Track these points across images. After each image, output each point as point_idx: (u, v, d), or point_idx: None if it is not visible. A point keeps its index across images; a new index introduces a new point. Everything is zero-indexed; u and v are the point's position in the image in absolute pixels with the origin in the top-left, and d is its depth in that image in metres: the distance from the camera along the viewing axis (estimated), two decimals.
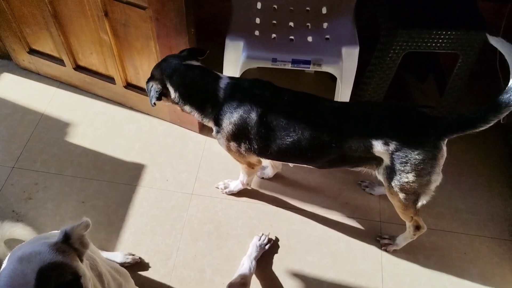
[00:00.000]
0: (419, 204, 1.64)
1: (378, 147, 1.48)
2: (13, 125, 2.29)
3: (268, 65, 1.82)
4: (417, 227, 1.77)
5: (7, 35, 2.30)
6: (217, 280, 1.84)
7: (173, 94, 1.61)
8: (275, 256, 1.92)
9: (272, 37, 1.89)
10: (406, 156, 1.47)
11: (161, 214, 2.02)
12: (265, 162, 2.13)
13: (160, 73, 1.61)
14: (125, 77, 2.19)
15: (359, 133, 1.50)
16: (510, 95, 1.35)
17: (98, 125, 2.31)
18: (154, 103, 1.63)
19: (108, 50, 2.05)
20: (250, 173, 1.92)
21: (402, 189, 1.56)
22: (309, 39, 1.89)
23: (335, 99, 2.04)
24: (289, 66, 1.82)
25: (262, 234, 1.93)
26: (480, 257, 1.94)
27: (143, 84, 2.18)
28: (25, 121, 2.30)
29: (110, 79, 2.24)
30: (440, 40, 1.82)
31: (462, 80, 1.99)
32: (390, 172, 1.53)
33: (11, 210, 2.00)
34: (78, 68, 2.30)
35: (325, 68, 1.82)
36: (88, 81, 2.32)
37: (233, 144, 1.66)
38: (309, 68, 1.82)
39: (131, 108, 2.36)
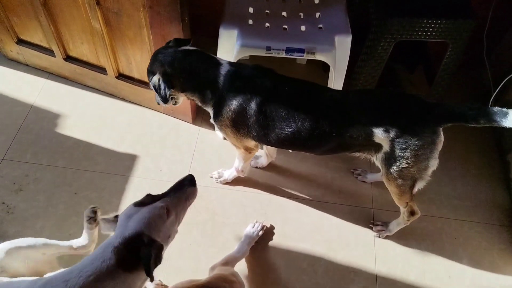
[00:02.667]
0: (415, 189, 1.67)
1: (379, 134, 1.50)
2: (1, 117, 2.25)
3: (262, 53, 1.83)
4: (412, 213, 1.81)
5: None
6: None
7: (177, 83, 1.60)
8: (270, 243, 1.93)
9: (266, 26, 1.90)
10: (406, 142, 1.49)
11: None
12: (259, 151, 2.14)
13: (161, 65, 1.59)
14: (117, 67, 2.17)
15: (360, 121, 1.52)
16: (503, 119, 1.42)
17: (89, 117, 2.29)
18: (167, 97, 1.60)
19: (100, 39, 2.03)
20: (247, 158, 1.93)
21: (400, 174, 1.59)
22: (302, 28, 1.90)
23: None
24: (283, 55, 1.83)
25: (256, 221, 1.94)
26: (470, 241, 1.99)
27: (135, 74, 2.17)
28: (13, 113, 2.26)
29: (101, 70, 2.22)
30: (431, 29, 1.85)
31: (451, 69, 2.03)
32: (389, 158, 1.56)
33: (1, 202, 1.97)
34: (69, 58, 2.27)
35: (319, 57, 1.84)
36: (79, 72, 2.29)
37: (231, 130, 1.66)
38: (303, 56, 1.83)
39: (123, 99, 2.34)
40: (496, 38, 2.30)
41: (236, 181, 2.08)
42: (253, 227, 1.92)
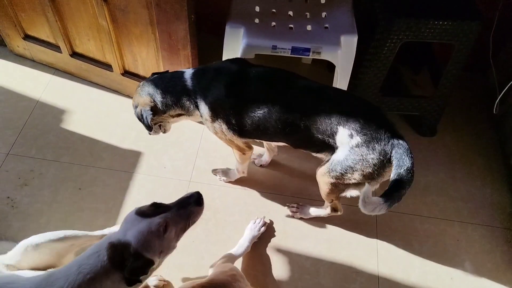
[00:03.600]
0: (345, 194, 1.69)
1: (343, 136, 1.50)
2: (7, 112, 2.26)
3: (268, 52, 1.83)
4: (334, 209, 1.86)
5: (1, 21, 2.27)
6: None
7: (156, 106, 1.68)
8: (272, 241, 1.94)
9: (272, 25, 1.90)
10: (362, 155, 1.48)
11: (159, 201, 2.00)
12: (261, 149, 2.15)
13: (139, 96, 1.71)
14: (122, 64, 2.18)
15: (330, 116, 1.51)
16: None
17: (94, 113, 2.30)
18: (149, 125, 1.70)
19: (106, 36, 2.04)
20: (243, 160, 1.94)
21: (338, 179, 1.59)
22: (309, 27, 1.90)
23: None
24: (288, 54, 1.83)
25: (257, 218, 1.95)
26: (472, 244, 1.99)
27: (140, 71, 2.18)
28: (19, 108, 2.28)
29: (107, 66, 2.23)
30: (437, 30, 1.85)
31: (456, 71, 2.02)
32: (337, 162, 1.55)
33: (6, 196, 1.98)
34: (75, 54, 2.28)
35: (324, 56, 1.84)
36: (85, 68, 2.30)
37: (216, 125, 1.70)
38: (308, 56, 1.83)
39: (128, 96, 2.35)
40: (502, 40, 2.29)
41: (239, 180, 2.09)
42: (255, 223, 1.93)
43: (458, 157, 2.27)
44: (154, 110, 1.69)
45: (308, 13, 1.97)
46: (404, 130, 2.37)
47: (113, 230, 1.60)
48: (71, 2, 1.98)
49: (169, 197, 2.00)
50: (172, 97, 1.68)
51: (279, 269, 1.87)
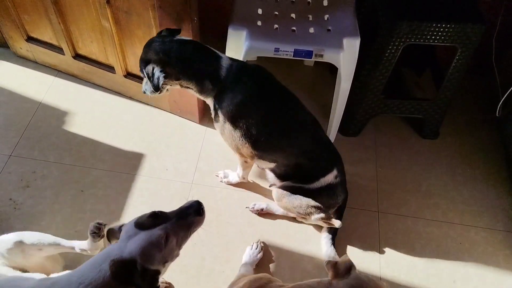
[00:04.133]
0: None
1: (331, 176, 1.79)
2: (10, 113, 2.27)
3: (271, 54, 1.83)
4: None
5: (4, 22, 2.28)
6: (217, 268, 1.85)
7: (173, 71, 1.59)
8: (274, 244, 1.93)
9: (274, 27, 1.90)
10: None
11: (161, 203, 2.02)
12: None
13: (155, 53, 1.57)
14: (125, 66, 2.18)
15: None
16: None
17: (97, 115, 2.30)
18: (159, 86, 1.59)
19: (109, 38, 2.04)
20: (245, 167, 1.94)
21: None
22: (311, 30, 1.90)
23: (335, 91, 2.07)
24: (291, 56, 1.83)
25: (254, 243, 1.90)
26: (475, 247, 1.98)
27: None
28: (22, 110, 2.28)
29: (110, 68, 2.23)
30: (440, 33, 1.84)
31: (459, 74, 2.02)
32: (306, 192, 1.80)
33: (9, 198, 1.98)
34: (78, 56, 2.28)
35: (327, 59, 1.84)
36: (88, 70, 2.31)
37: (228, 127, 1.67)
38: (311, 58, 1.83)
39: (130, 97, 2.36)
40: (505, 43, 2.29)
41: (242, 182, 2.08)
42: (251, 249, 1.89)
43: (460, 160, 2.27)
44: (168, 73, 1.59)
45: (310, 16, 1.97)
46: (407, 132, 2.37)
47: (83, 246, 1.57)
48: (74, 5, 1.99)
49: (171, 199, 2.03)
50: (196, 72, 1.60)
51: (282, 272, 1.86)
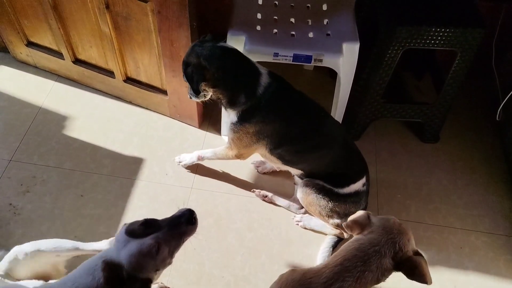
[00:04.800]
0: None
1: (360, 184, 1.82)
2: (9, 118, 2.27)
3: (270, 59, 1.83)
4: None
5: (4, 27, 2.28)
6: (216, 273, 1.85)
7: (211, 78, 1.59)
8: (275, 248, 1.93)
9: (274, 32, 1.90)
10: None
11: (161, 207, 2.02)
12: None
13: (197, 57, 1.57)
14: (124, 71, 2.18)
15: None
16: None
17: (97, 119, 2.30)
18: (199, 89, 1.60)
19: (109, 43, 2.04)
20: (225, 159, 1.94)
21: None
22: (310, 35, 1.90)
23: (335, 95, 2.07)
24: (290, 61, 1.83)
25: None
26: (476, 251, 1.97)
27: (143, 78, 2.19)
28: (22, 114, 2.28)
29: (109, 73, 2.23)
30: (439, 37, 1.84)
31: (459, 78, 2.02)
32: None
33: (8, 203, 1.98)
34: (77, 61, 2.29)
35: (326, 64, 1.84)
36: (87, 74, 2.31)
37: (250, 138, 1.71)
38: (310, 63, 1.83)
39: (130, 102, 2.36)
40: (505, 46, 2.29)
41: (242, 186, 2.09)
42: None
43: (461, 164, 2.26)
44: (206, 79, 1.59)
45: (310, 20, 1.97)
46: (407, 136, 2.37)
47: (103, 244, 1.58)
48: (74, 10, 1.99)
49: (171, 204, 2.03)
50: (234, 84, 1.62)
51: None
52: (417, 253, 1.35)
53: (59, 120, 2.28)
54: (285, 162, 1.81)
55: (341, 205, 1.77)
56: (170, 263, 1.29)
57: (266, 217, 2.02)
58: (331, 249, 1.88)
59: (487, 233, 2.02)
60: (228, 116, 1.76)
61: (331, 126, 1.78)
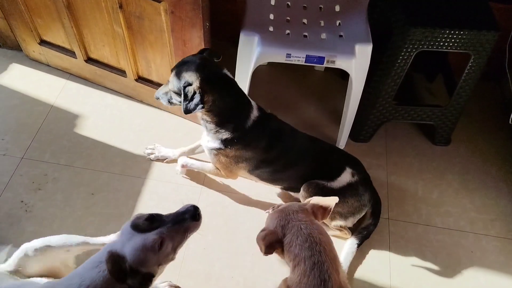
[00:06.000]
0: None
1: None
2: (22, 116, 2.28)
3: (282, 60, 1.83)
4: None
5: (18, 26, 2.29)
6: (226, 274, 1.85)
7: (209, 103, 1.63)
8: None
9: (286, 33, 1.90)
10: None
11: (171, 207, 1.96)
12: None
13: (201, 81, 1.57)
14: (136, 70, 2.19)
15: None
16: None
17: (108, 118, 2.31)
18: (191, 110, 1.60)
19: (121, 42, 2.05)
20: (215, 175, 2.02)
21: None
22: (323, 36, 1.90)
23: (347, 97, 2.06)
24: (303, 62, 1.83)
25: None
26: (487, 256, 1.96)
27: (154, 77, 2.19)
28: (34, 113, 2.30)
29: (121, 72, 2.24)
30: (453, 40, 1.83)
31: (472, 81, 2.00)
32: None
33: (20, 200, 2.00)
34: (90, 60, 2.30)
35: (339, 65, 1.83)
36: (99, 73, 2.32)
37: (229, 161, 1.82)
38: (323, 64, 1.83)
39: (141, 101, 2.36)
40: None
41: (251, 188, 2.08)
42: None
43: (472, 167, 2.24)
44: (204, 101, 1.60)
45: (322, 21, 1.96)
46: (418, 139, 2.35)
47: (111, 238, 1.59)
48: (87, 9, 2.00)
49: (180, 204, 1.98)
50: (229, 116, 1.69)
51: None
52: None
53: (71, 118, 2.29)
54: (264, 180, 1.92)
55: (341, 201, 1.72)
56: (173, 258, 1.30)
57: None
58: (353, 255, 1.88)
59: (499, 238, 2.01)
60: (205, 138, 1.83)
61: (303, 142, 1.85)
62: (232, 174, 1.92)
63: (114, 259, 1.16)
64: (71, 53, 2.30)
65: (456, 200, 2.12)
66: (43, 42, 2.35)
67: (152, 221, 1.24)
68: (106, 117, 2.31)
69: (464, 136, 2.36)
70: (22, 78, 2.44)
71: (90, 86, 2.42)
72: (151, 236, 1.20)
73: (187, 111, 1.61)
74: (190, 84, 1.58)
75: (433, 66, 2.48)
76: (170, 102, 1.73)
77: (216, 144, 1.76)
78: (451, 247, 1.98)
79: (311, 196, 1.78)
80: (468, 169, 2.24)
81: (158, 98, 1.76)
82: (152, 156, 2.15)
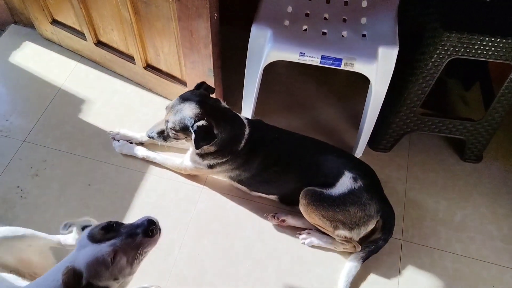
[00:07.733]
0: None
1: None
2: (29, 97, 2.22)
3: (295, 59, 1.66)
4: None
5: (30, 3, 2.22)
6: (218, 283, 1.73)
7: (216, 141, 1.66)
8: (285, 266, 1.79)
9: (303, 28, 1.72)
10: None
11: (168, 205, 1.91)
12: None
13: (208, 115, 1.61)
14: (145, 57, 2.08)
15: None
16: None
17: (114, 105, 2.21)
18: (201, 147, 1.64)
19: (129, 27, 1.94)
20: (185, 172, 1.96)
21: None
22: (344, 34, 1.71)
23: (366, 103, 1.87)
24: (317, 63, 1.65)
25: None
26: None
27: (163, 67, 2.08)
28: (41, 94, 2.23)
29: (130, 58, 2.14)
30: (493, 48, 1.60)
31: (511, 94, 1.77)
32: None
33: (16, 185, 1.94)
34: (99, 43, 2.20)
35: (358, 69, 1.64)
36: (109, 58, 2.22)
37: (209, 173, 1.89)
38: (340, 67, 1.64)
39: (149, 90, 2.25)
40: None
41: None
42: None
43: (504, 190, 2.01)
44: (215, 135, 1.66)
45: (346, 17, 1.77)
46: (445, 152, 2.14)
47: (69, 241, 1.50)
48: None
49: (179, 203, 1.92)
50: (227, 145, 1.71)
51: None
52: None
53: (77, 103, 2.21)
54: (251, 189, 1.90)
55: (341, 209, 1.65)
56: (133, 272, 1.22)
57: (278, 228, 1.87)
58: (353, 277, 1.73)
59: None
60: (191, 151, 1.84)
61: (291, 149, 1.79)
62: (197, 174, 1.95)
63: (70, 273, 1.12)
64: (81, 35, 2.22)
65: (482, 226, 1.91)
66: (55, 22, 2.27)
67: (107, 231, 1.17)
68: (113, 104, 2.22)
69: (498, 154, 2.12)
70: (33, 57, 2.37)
71: (100, 70, 2.33)
72: (104, 248, 1.13)
73: (199, 146, 1.62)
74: (197, 121, 1.58)
75: (471, 73, 2.23)
76: (165, 140, 1.73)
77: (205, 163, 1.80)
78: (469, 278, 1.78)
79: (310, 205, 1.69)
80: (499, 192, 2.01)
81: (151, 137, 1.76)
82: (113, 134, 2.07)
